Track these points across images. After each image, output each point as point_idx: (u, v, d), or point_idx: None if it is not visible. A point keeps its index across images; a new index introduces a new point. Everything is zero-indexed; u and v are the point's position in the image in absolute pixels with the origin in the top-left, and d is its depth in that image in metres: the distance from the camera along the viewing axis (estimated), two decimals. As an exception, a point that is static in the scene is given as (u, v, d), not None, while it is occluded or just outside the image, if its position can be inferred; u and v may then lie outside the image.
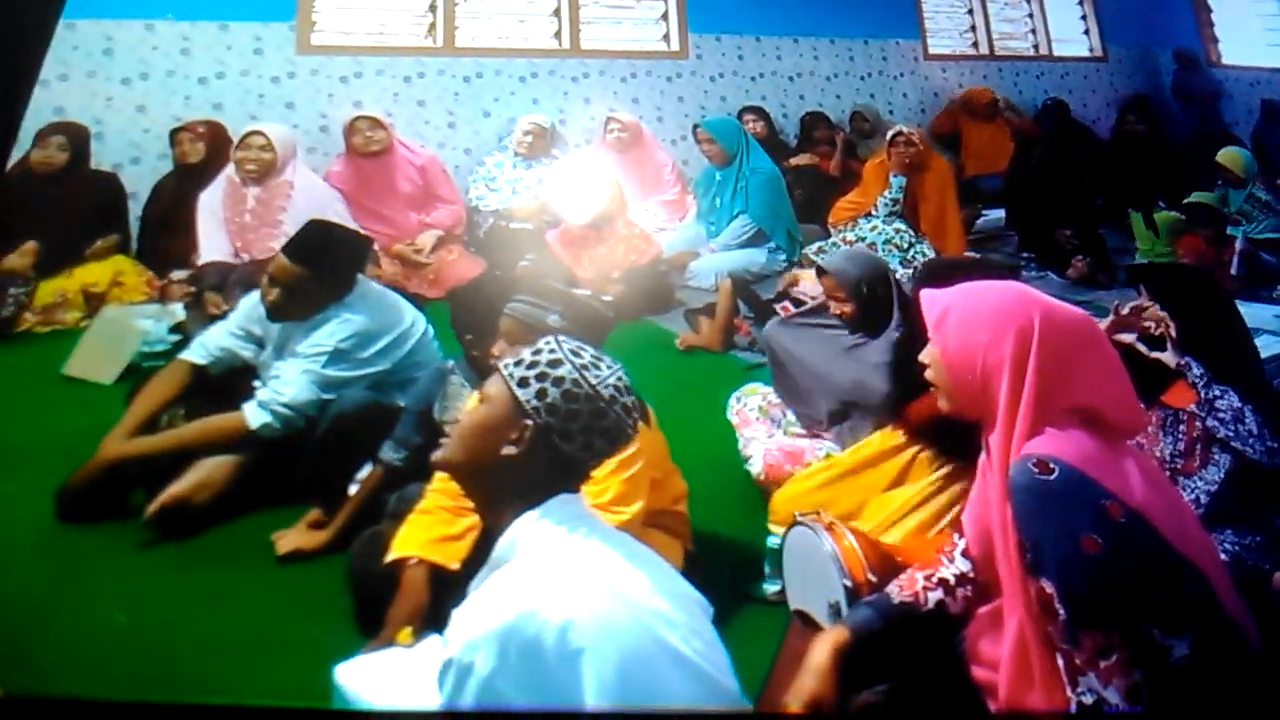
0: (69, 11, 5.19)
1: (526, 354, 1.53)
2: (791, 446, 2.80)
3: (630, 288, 4.38)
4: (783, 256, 5.04)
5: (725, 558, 2.58)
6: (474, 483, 1.55)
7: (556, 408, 1.46)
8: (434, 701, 1.87)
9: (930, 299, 1.83)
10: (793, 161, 6.12)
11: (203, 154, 4.78)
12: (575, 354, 1.52)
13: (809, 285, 5.08)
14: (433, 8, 6.21)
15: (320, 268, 2.89)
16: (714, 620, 1.90)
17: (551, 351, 1.52)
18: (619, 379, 1.53)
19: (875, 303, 2.82)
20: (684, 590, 1.48)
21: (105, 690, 2.12)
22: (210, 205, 4.48)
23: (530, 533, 1.43)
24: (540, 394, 1.47)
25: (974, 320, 1.74)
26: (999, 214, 6.00)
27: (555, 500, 1.46)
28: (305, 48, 5.74)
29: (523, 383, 1.49)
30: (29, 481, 2.90)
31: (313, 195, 4.41)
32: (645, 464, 2.28)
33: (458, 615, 1.35)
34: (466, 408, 2.40)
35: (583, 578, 1.35)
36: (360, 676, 1.95)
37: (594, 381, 1.49)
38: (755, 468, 2.81)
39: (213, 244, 4.41)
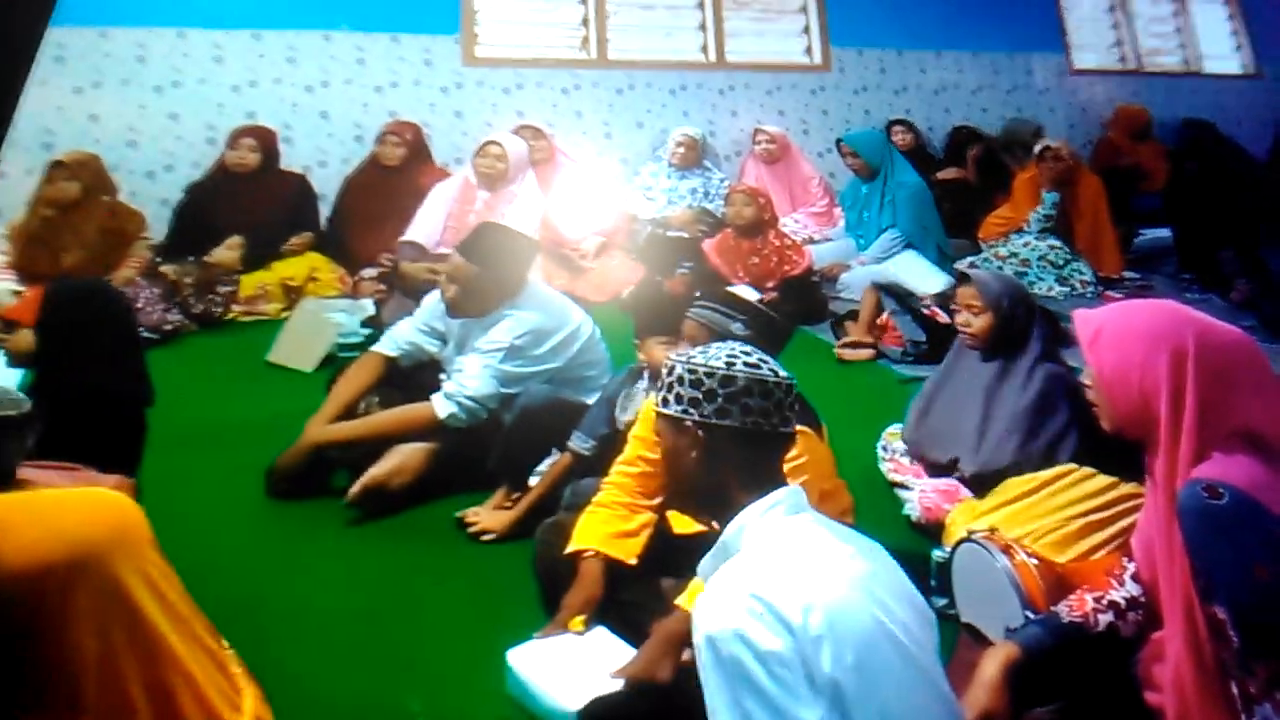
0: (254, 23, 5.53)
1: (661, 383, 1.59)
2: (946, 486, 2.75)
3: (785, 297, 4.39)
4: (933, 270, 4.89)
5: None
6: (699, 499, 1.60)
7: (693, 399, 1.51)
8: (599, 688, 1.91)
9: (1083, 318, 1.78)
10: (940, 175, 6.02)
11: (401, 158, 4.94)
12: (682, 356, 1.58)
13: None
14: (585, 22, 6.34)
15: (490, 266, 2.97)
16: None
17: (670, 371, 1.57)
18: (730, 352, 1.55)
19: (1012, 323, 2.72)
20: (904, 586, 1.47)
21: (313, 653, 2.22)
22: (443, 195, 4.60)
23: (758, 522, 1.47)
24: (677, 399, 1.52)
25: (1127, 339, 1.69)
26: (1156, 234, 5.78)
27: (779, 491, 1.49)
28: (470, 60, 5.95)
29: (664, 403, 1.55)
30: (238, 458, 3.05)
31: (526, 208, 4.50)
32: (814, 475, 2.21)
33: (701, 603, 1.37)
34: (641, 410, 2.50)
35: (814, 564, 1.37)
36: (532, 661, 2.05)
37: (703, 360, 1.53)
38: (914, 514, 2.77)
39: (423, 227, 4.51)
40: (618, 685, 1.92)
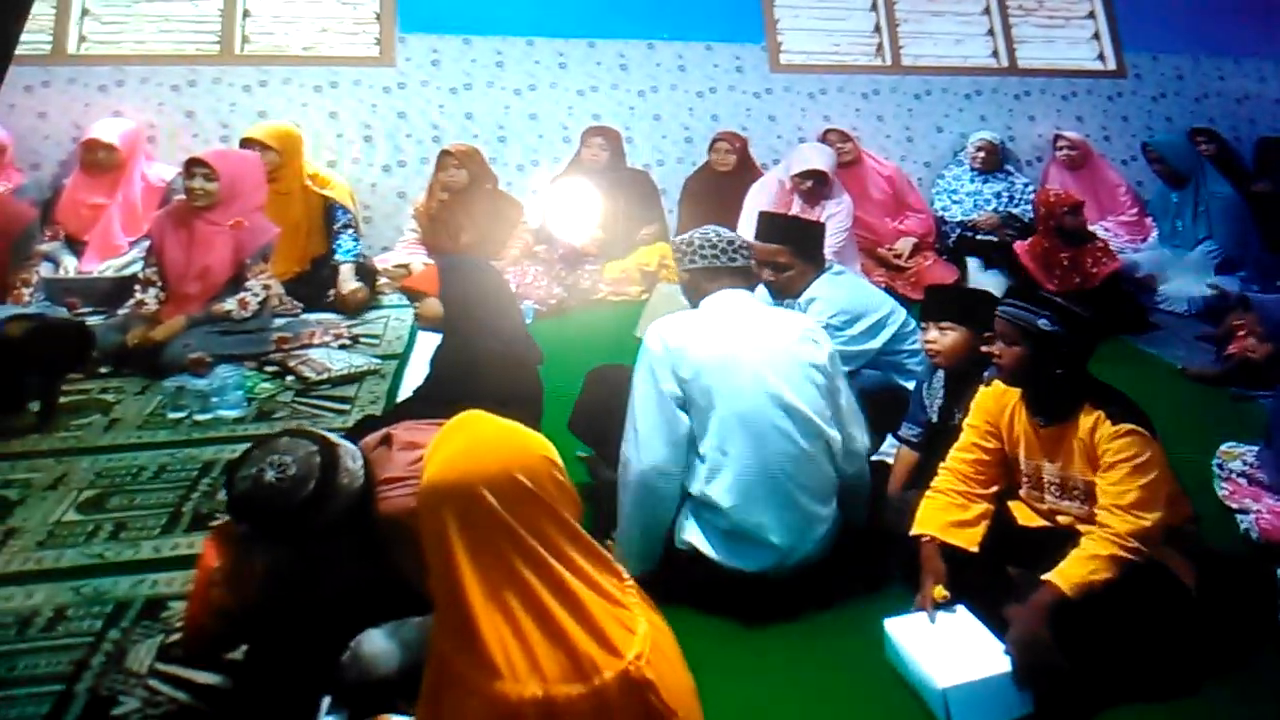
0: (590, 32, 5.86)
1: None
2: (1280, 505, 2.63)
3: (1098, 305, 4.25)
4: (1255, 287, 4.50)
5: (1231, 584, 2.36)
6: (693, 304, 2.61)
7: (680, 257, 2.62)
8: (965, 668, 2.01)
9: None
10: (1255, 188, 5.54)
11: (733, 165, 5.15)
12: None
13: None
14: (877, 29, 6.34)
15: (786, 241, 3.17)
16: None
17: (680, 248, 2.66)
18: (701, 233, 2.62)
19: None
20: (782, 354, 2.41)
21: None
22: (760, 197, 4.78)
23: (704, 303, 2.56)
24: (678, 260, 2.63)
25: None
26: None
27: (723, 294, 2.53)
28: (776, 67, 6.08)
29: (678, 263, 2.66)
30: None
31: (840, 208, 4.62)
32: (1160, 474, 2.15)
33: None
34: (974, 400, 2.50)
35: (704, 323, 2.45)
36: (907, 631, 2.16)
37: (679, 240, 2.65)
38: (1253, 533, 2.68)
39: (748, 226, 4.49)
40: (984, 668, 2.03)
